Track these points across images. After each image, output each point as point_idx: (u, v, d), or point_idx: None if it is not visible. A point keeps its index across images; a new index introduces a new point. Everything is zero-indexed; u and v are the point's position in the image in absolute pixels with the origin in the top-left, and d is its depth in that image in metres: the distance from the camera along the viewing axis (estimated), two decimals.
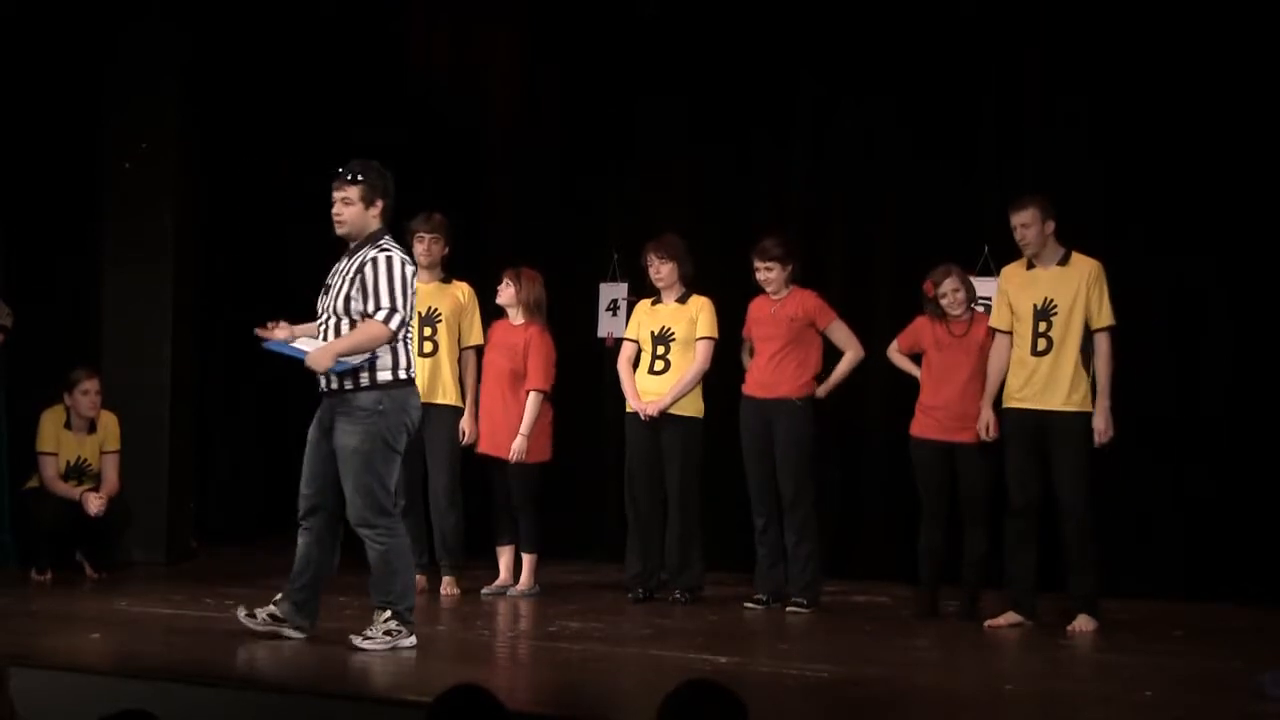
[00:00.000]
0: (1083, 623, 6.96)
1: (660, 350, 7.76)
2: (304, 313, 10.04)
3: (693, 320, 7.74)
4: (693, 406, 7.74)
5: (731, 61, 9.09)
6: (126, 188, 9.09)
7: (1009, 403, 7.13)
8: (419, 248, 7.92)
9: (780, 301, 7.67)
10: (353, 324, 6.04)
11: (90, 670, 5.67)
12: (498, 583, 8.00)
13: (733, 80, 9.09)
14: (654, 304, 7.88)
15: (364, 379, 6.02)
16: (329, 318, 6.12)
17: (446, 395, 7.90)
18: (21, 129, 9.08)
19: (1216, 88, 8.01)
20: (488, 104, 9.94)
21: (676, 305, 7.81)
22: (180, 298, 9.14)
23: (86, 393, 8.25)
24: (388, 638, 6.04)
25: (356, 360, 6.00)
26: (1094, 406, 6.95)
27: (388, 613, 6.08)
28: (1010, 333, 7.17)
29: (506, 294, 8.02)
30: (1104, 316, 6.99)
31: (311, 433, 6.21)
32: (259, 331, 6.36)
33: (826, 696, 5.55)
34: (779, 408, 7.57)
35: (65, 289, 9.26)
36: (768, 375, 7.64)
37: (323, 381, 6.11)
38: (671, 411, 7.68)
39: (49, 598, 7.58)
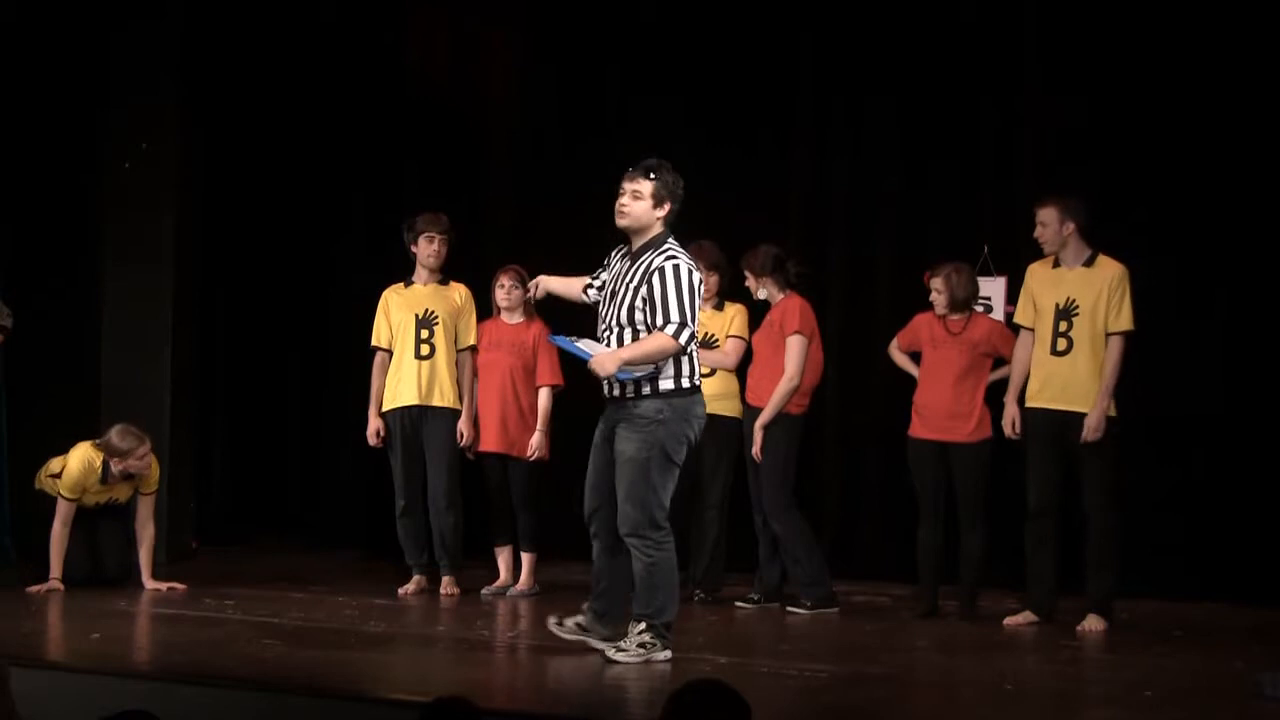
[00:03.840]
0: (1092, 622, 6.96)
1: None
2: (303, 313, 10.16)
3: (729, 325, 7.86)
4: (735, 408, 7.80)
5: (731, 62, 9.08)
6: (126, 188, 9.09)
7: (1029, 403, 7.12)
8: (430, 248, 7.91)
9: (772, 308, 7.68)
10: (636, 335, 5.88)
11: (90, 670, 5.67)
12: (498, 583, 8.01)
13: (732, 80, 9.08)
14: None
15: (646, 387, 5.86)
16: (613, 329, 5.95)
17: (444, 397, 7.89)
18: (21, 129, 9.08)
19: (1216, 87, 8.00)
20: (488, 104, 9.94)
21: (713, 311, 7.84)
22: (180, 298, 9.13)
23: (144, 456, 7.85)
24: (641, 650, 5.84)
25: (640, 372, 5.85)
26: (1095, 403, 6.94)
27: (642, 625, 5.87)
28: (1032, 329, 7.16)
29: (515, 295, 8.00)
30: (1122, 321, 6.97)
31: (595, 439, 6.04)
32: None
33: (826, 696, 5.54)
34: (751, 415, 7.60)
35: (65, 289, 9.26)
36: (752, 380, 7.67)
37: (605, 387, 5.97)
38: (718, 413, 7.71)
39: (49, 598, 7.57)
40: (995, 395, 7.45)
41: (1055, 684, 6.00)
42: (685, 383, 5.88)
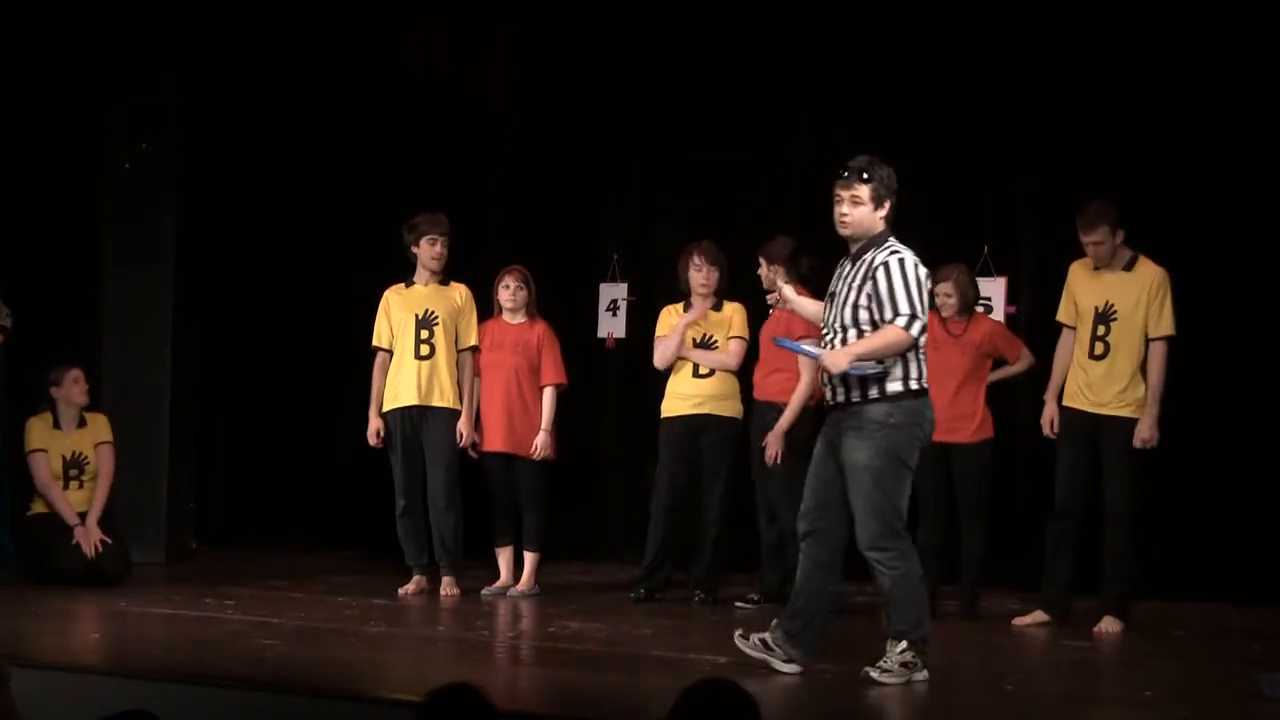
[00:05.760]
0: (1109, 624, 6.93)
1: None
2: (303, 313, 10.14)
3: (729, 325, 7.82)
4: (736, 408, 7.79)
5: (731, 61, 9.07)
6: (126, 188, 9.09)
7: (1066, 403, 7.09)
8: (433, 250, 7.91)
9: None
10: (861, 334, 5.63)
11: (90, 670, 5.67)
12: (498, 583, 8.00)
13: (732, 80, 9.08)
14: (685, 310, 7.86)
15: (874, 390, 5.60)
16: (835, 330, 5.72)
17: (444, 397, 7.89)
18: (22, 129, 9.08)
19: (1218, 86, 7.99)
20: (487, 104, 9.93)
21: (711, 311, 7.82)
22: (180, 298, 9.13)
23: (77, 380, 8.08)
24: (904, 670, 5.62)
25: (873, 368, 5.60)
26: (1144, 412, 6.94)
27: (903, 643, 5.63)
28: (1074, 328, 7.13)
29: (520, 296, 8.01)
30: (1163, 325, 6.96)
31: (816, 449, 5.81)
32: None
33: (827, 696, 5.55)
34: (759, 410, 7.61)
35: (65, 289, 9.26)
36: (759, 375, 7.67)
37: (829, 394, 5.75)
38: (717, 413, 7.71)
39: (49, 598, 7.57)
40: (995, 396, 7.45)
41: (1055, 684, 6.01)
42: (914, 384, 5.65)
